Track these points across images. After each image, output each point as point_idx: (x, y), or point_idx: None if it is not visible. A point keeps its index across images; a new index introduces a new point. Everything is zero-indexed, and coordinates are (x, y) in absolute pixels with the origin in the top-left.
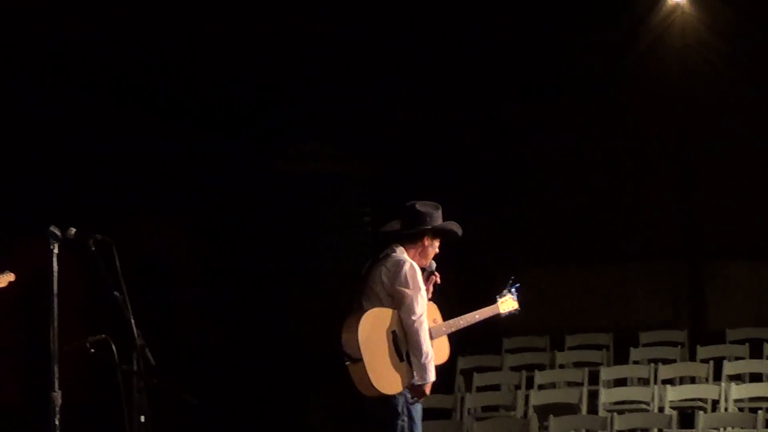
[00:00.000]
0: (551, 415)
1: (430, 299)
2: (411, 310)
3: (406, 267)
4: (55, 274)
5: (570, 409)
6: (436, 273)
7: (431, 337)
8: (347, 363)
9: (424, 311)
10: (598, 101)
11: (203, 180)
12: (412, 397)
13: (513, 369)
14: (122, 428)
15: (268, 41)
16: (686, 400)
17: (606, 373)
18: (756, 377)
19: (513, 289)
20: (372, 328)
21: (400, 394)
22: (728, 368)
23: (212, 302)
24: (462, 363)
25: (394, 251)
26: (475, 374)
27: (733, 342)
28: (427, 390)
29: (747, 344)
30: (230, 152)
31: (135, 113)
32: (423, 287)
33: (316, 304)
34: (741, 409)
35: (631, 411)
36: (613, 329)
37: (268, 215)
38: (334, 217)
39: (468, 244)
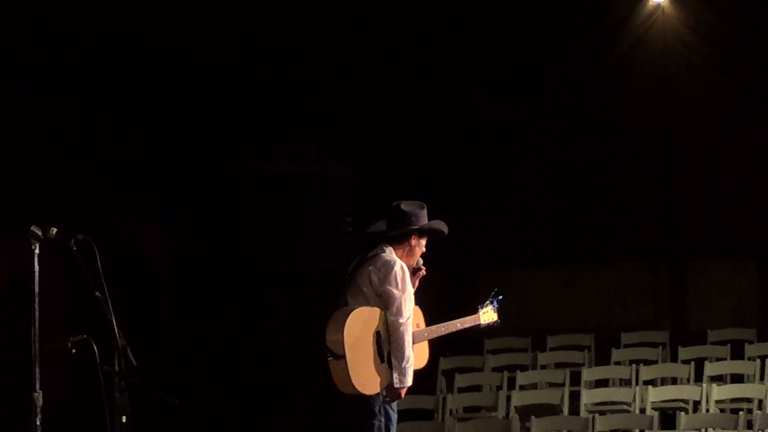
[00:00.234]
0: (533, 416)
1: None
2: (399, 312)
3: (397, 268)
4: (37, 274)
5: (551, 409)
6: (423, 267)
7: (413, 342)
8: (329, 359)
9: (411, 314)
10: (580, 102)
11: (185, 180)
12: (386, 398)
13: (494, 370)
14: (103, 428)
15: (251, 42)
16: (667, 401)
17: (587, 374)
18: (737, 378)
19: (495, 301)
20: (358, 326)
21: (377, 395)
22: (709, 369)
23: (194, 302)
24: (443, 364)
25: (384, 251)
26: (456, 375)
27: (714, 343)
28: (402, 393)
29: (728, 345)
30: (212, 152)
31: (117, 113)
32: (411, 289)
33: (297, 304)
34: (722, 410)
35: (612, 412)
36: (594, 330)
37: (250, 215)
38: (316, 217)
39: (450, 245)
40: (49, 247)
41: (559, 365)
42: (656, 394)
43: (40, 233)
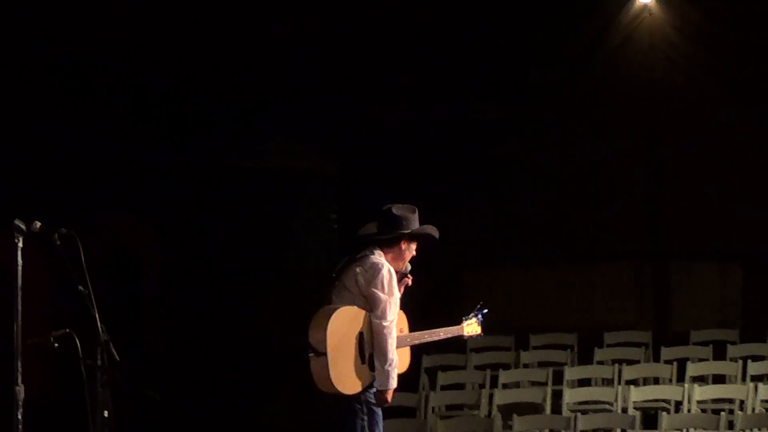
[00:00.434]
0: (515, 415)
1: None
2: (383, 315)
3: (384, 271)
4: (20, 268)
5: (534, 408)
6: (409, 276)
7: (396, 346)
8: (310, 355)
9: (395, 318)
10: (566, 102)
11: (171, 177)
12: (374, 404)
13: (477, 368)
14: (85, 423)
15: (238, 40)
16: (650, 400)
17: (570, 373)
18: (719, 379)
19: (480, 315)
20: (342, 325)
21: (357, 395)
22: (692, 369)
23: (177, 298)
24: (426, 361)
25: (373, 253)
26: (439, 373)
27: (696, 343)
28: (389, 397)
29: (711, 346)
30: (198, 150)
31: (102, 110)
32: (398, 294)
33: (281, 301)
34: (704, 410)
35: (594, 411)
36: (577, 329)
37: (235, 212)
38: (301, 214)
39: (434, 243)
40: (33, 241)
41: (542, 364)
42: (638, 394)
43: (23, 227)
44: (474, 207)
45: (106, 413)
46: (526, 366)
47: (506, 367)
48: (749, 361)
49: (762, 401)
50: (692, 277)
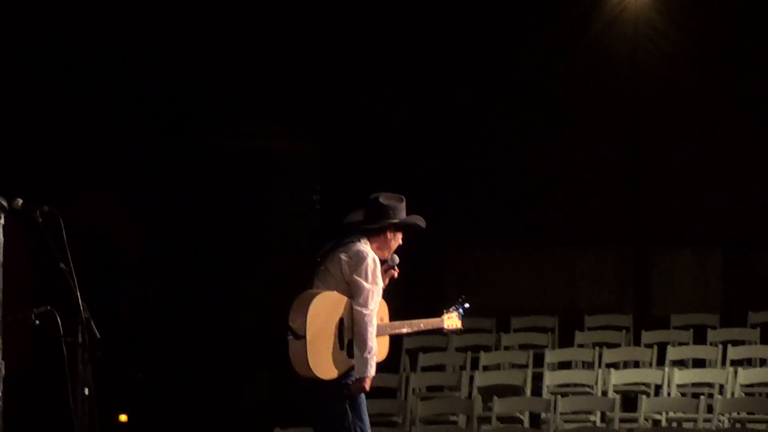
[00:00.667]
0: (495, 396)
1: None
2: (365, 304)
3: (369, 260)
4: (1, 245)
5: (514, 390)
6: (396, 267)
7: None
8: (289, 337)
9: (377, 307)
10: (549, 86)
11: (151, 157)
12: (352, 391)
13: (458, 350)
14: (66, 400)
15: (219, 20)
16: (630, 384)
17: (551, 356)
18: (699, 363)
19: (461, 308)
20: (322, 310)
21: (336, 379)
22: (672, 353)
23: (158, 278)
24: (407, 343)
25: (359, 240)
26: (420, 354)
27: (677, 327)
28: (367, 385)
29: (691, 330)
30: (178, 130)
31: (82, 89)
32: (381, 283)
33: (263, 282)
34: (684, 394)
35: (574, 394)
36: (558, 312)
37: (216, 193)
38: (283, 195)
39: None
40: (15, 219)
41: (523, 347)
42: (618, 377)
43: (5, 204)
44: (457, 189)
45: (86, 390)
46: (506, 348)
47: (487, 349)
48: (729, 345)
49: (742, 386)
50: (673, 261)
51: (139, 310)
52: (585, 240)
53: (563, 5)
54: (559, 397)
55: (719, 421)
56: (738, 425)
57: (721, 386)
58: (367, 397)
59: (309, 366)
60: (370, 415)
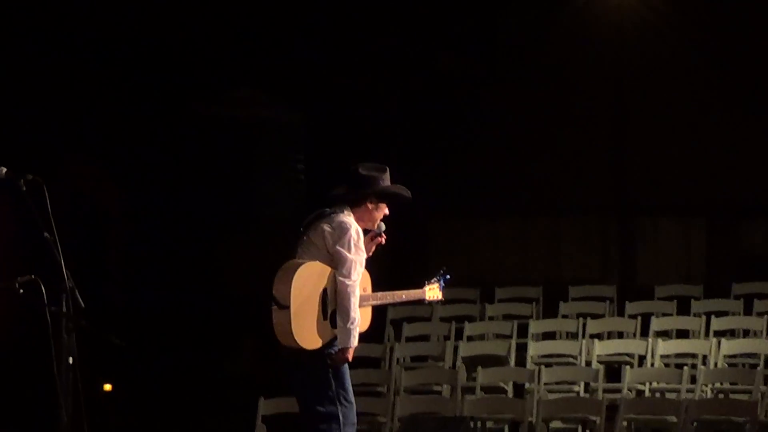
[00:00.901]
0: (479, 367)
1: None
2: (348, 274)
3: (352, 231)
4: None
5: (498, 360)
6: (383, 235)
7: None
8: (273, 307)
9: (359, 278)
10: (534, 57)
11: (136, 124)
12: (335, 360)
13: (443, 320)
14: (50, 369)
15: None
16: (613, 354)
17: (535, 327)
18: (683, 333)
19: (442, 280)
20: (307, 280)
21: (319, 349)
22: (655, 324)
23: (143, 246)
24: (392, 313)
25: (342, 211)
26: (404, 324)
27: (661, 298)
28: (350, 355)
29: (675, 301)
30: (163, 97)
31: (67, 57)
32: (364, 254)
33: (247, 249)
34: (667, 365)
35: (558, 364)
36: (542, 283)
37: (201, 160)
38: (267, 163)
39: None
40: None
41: (507, 317)
42: (602, 348)
43: None
44: (441, 158)
45: (71, 359)
46: (491, 319)
47: (471, 319)
48: (713, 316)
49: (725, 356)
50: (657, 232)
51: (122, 278)
52: (569, 211)
53: None
54: (542, 367)
55: (702, 391)
56: (721, 396)
57: (704, 357)
58: (351, 367)
59: (293, 336)
60: (354, 385)
